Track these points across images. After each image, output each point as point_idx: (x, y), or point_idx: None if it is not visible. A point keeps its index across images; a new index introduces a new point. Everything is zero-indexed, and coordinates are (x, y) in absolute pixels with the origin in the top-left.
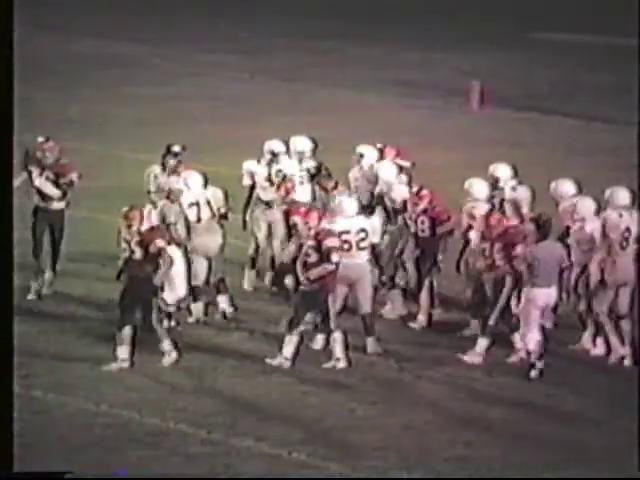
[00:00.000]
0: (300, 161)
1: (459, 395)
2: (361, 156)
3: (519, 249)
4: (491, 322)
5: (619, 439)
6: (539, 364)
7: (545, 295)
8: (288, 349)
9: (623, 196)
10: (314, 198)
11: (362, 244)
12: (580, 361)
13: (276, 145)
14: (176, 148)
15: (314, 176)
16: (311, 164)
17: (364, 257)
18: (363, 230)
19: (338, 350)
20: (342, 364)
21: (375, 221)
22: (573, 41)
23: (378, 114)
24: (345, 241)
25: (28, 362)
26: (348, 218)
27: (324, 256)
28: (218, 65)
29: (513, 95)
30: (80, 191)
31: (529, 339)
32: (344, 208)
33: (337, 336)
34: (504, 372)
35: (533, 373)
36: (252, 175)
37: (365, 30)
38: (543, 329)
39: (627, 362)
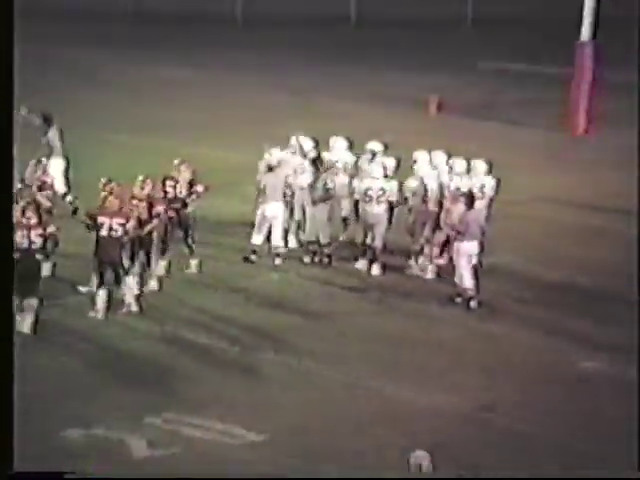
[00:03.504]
0: (304, 156)
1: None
2: (373, 154)
3: (158, 209)
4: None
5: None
6: (476, 297)
7: (469, 247)
8: (99, 305)
9: (460, 165)
10: (314, 180)
11: (381, 199)
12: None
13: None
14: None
15: (315, 163)
16: (313, 155)
17: (382, 208)
18: (382, 189)
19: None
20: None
21: (393, 184)
22: (517, 71)
23: (362, 119)
24: (369, 196)
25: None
26: (373, 179)
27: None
28: (226, 73)
29: (462, 105)
30: (86, 177)
31: (464, 279)
32: (372, 171)
33: (128, 280)
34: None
35: (472, 304)
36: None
37: (356, 57)
38: (475, 270)
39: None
